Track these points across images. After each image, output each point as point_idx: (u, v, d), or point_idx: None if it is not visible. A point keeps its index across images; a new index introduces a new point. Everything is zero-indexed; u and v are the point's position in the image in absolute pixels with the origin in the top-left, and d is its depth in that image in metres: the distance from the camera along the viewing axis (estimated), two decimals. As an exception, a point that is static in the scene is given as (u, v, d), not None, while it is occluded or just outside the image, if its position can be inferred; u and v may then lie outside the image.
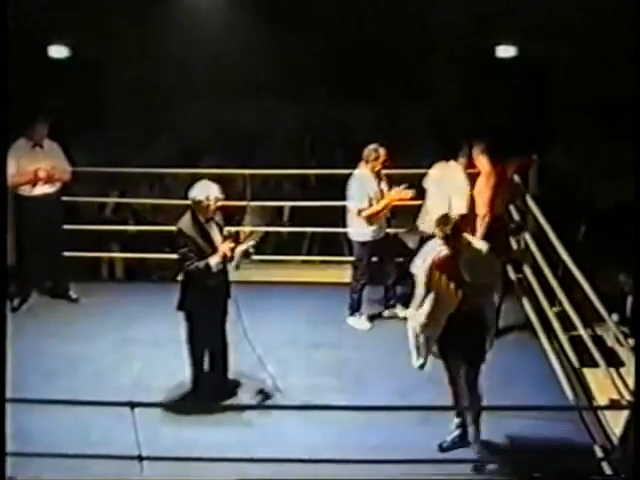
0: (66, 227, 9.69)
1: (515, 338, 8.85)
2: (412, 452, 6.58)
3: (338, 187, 10.12)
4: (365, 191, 8.74)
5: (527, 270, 9.40)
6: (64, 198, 9.71)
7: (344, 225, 9.33)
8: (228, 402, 7.63)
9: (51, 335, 8.86)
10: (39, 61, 15.11)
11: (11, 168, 9.18)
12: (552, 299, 8.78)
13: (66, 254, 9.70)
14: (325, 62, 14.76)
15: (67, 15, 14.18)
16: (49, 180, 9.28)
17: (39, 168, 9.21)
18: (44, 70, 15.14)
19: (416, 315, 6.93)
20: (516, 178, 9.53)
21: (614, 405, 7.29)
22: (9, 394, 6.85)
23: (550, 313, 8.74)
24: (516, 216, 9.59)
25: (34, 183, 9.25)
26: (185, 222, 7.37)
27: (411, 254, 9.42)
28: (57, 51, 15.26)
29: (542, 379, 7.95)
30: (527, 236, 9.38)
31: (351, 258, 9.86)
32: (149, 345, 8.51)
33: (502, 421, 7.04)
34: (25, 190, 9.28)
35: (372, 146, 8.77)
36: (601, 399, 7.54)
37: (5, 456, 5.80)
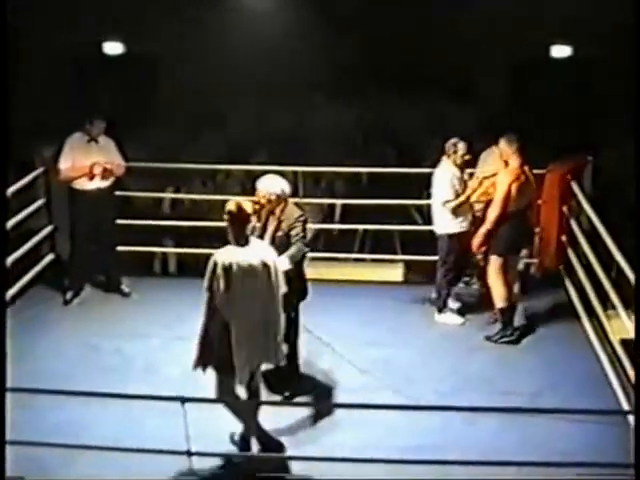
0: (119, 222, 9.79)
1: (566, 339, 8.81)
2: (457, 453, 6.57)
3: (390, 186, 10.14)
4: (450, 183, 8.90)
5: (580, 271, 9.33)
6: (117, 193, 9.81)
7: (397, 222, 9.40)
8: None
9: (103, 329, 8.96)
10: (94, 58, 15.28)
11: (67, 162, 9.30)
12: (604, 300, 8.70)
13: (119, 248, 9.79)
14: (376, 60, 14.74)
15: (122, 12, 14.31)
16: (105, 175, 9.37)
17: (95, 163, 9.30)
18: (99, 66, 15.32)
19: None
20: (570, 179, 9.47)
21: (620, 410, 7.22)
22: (62, 386, 6.97)
23: (602, 315, 8.67)
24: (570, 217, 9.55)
25: (90, 177, 9.34)
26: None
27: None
28: (112, 48, 15.38)
29: (593, 381, 7.87)
30: (581, 237, 9.31)
31: (403, 257, 9.90)
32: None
33: (547, 423, 6.97)
34: (79, 184, 9.38)
35: (452, 140, 8.94)
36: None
37: (4, 453, 5.84)
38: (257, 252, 6.73)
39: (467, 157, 8.95)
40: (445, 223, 9.03)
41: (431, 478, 6.25)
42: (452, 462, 6.31)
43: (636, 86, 9.86)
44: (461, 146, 8.91)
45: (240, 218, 6.69)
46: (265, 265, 6.68)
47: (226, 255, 6.62)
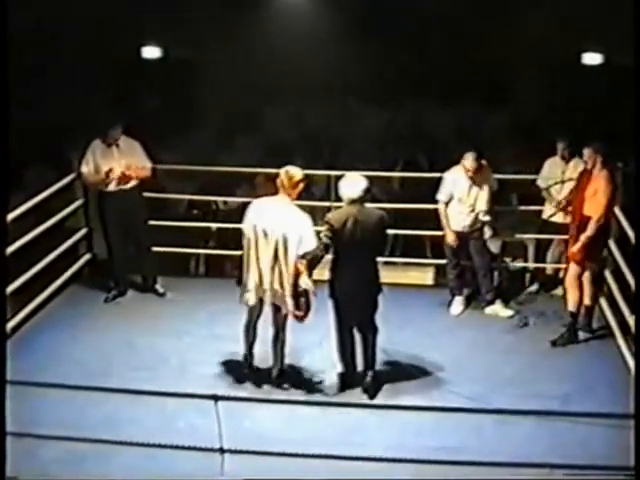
0: (151, 223, 9.89)
1: (596, 344, 8.87)
2: (487, 455, 6.62)
3: (421, 190, 10.21)
4: (449, 188, 9.38)
5: (609, 277, 9.36)
6: (147, 194, 9.92)
7: (427, 227, 9.56)
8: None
9: (139, 327, 9.12)
10: (133, 62, 15.45)
11: (88, 166, 9.45)
12: (633, 307, 8.73)
13: (155, 249, 9.91)
14: (410, 66, 14.81)
15: (160, 16, 14.46)
16: (123, 180, 9.48)
17: (111, 169, 9.42)
18: (137, 70, 15.48)
19: None
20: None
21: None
22: (99, 383, 7.11)
23: (631, 321, 8.69)
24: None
25: (105, 184, 9.47)
26: None
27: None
28: (150, 52, 15.53)
29: (622, 387, 7.89)
30: (611, 243, 9.34)
31: (434, 261, 10.04)
32: (235, 341, 8.50)
33: (578, 428, 7.04)
34: (102, 186, 9.52)
35: (467, 154, 9.28)
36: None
37: (4, 452, 5.95)
38: (275, 219, 7.61)
39: (469, 173, 9.26)
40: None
41: (461, 479, 6.35)
42: (482, 463, 6.39)
43: (635, 89, 9.86)
44: (469, 160, 9.24)
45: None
46: (271, 231, 7.61)
47: (253, 205, 7.83)
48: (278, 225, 7.60)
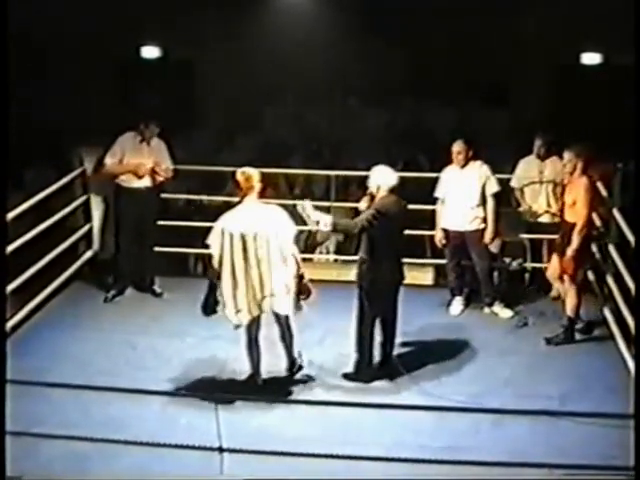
0: (159, 223, 9.92)
1: (595, 345, 8.88)
2: (486, 454, 6.63)
3: (422, 191, 10.22)
4: (444, 186, 9.47)
5: (609, 278, 9.37)
6: (163, 195, 9.95)
7: (427, 228, 9.59)
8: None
9: (139, 327, 9.12)
10: (133, 62, 15.46)
11: (114, 157, 9.44)
12: (633, 308, 8.74)
13: (156, 249, 9.92)
14: (411, 66, 14.80)
15: (160, 17, 14.47)
16: (151, 176, 9.49)
17: (141, 164, 9.43)
18: (137, 70, 15.50)
19: None
20: (600, 186, 9.50)
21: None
22: (100, 383, 7.13)
23: (631, 321, 8.70)
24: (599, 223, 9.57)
25: (137, 177, 9.47)
26: None
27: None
28: (149, 52, 15.54)
29: (621, 386, 7.91)
30: (610, 245, 9.34)
31: (433, 261, 10.04)
32: (235, 342, 8.50)
33: (579, 427, 7.06)
34: (126, 182, 9.52)
35: (455, 143, 9.30)
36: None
37: (4, 454, 5.95)
38: (257, 220, 7.42)
39: (459, 156, 9.29)
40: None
41: (458, 478, 6.36)
42: (480, 463, 6.40)
43: (635, 89, 9.88)
44: (457, 148, 9.30)
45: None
46: (257, 233, 7.38)
47: (224, 220, 7.49)
48: (256, 228, 7.45)
